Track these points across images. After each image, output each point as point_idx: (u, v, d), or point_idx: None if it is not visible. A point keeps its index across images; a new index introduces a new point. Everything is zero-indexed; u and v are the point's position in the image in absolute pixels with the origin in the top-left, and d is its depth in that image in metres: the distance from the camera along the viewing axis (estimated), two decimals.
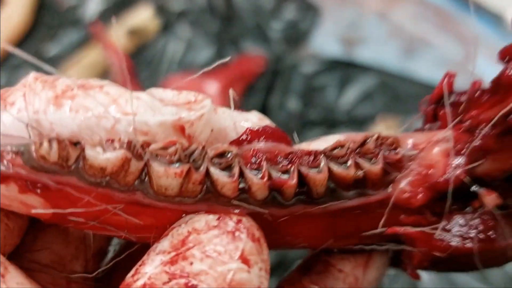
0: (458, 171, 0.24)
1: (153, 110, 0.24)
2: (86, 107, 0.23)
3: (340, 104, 1.02)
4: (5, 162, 0.22)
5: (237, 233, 0.23)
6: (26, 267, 0.27)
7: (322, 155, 0.24)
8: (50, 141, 0.22)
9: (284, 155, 0.24)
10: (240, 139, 0.25)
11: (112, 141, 0.22)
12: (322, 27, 1.12)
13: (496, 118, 0.23)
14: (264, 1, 1.12)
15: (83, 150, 0.22)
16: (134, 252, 0.27)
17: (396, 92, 1.03)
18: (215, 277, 0.22)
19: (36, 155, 0.22)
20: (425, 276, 0.81)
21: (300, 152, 0.24)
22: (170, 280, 0.21)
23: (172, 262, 0.22)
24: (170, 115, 0.24)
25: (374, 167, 0.24)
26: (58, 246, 0.29)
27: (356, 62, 1.06)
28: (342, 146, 0.25)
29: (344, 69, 1.05)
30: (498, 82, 0.24)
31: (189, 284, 0.21)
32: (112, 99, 0.24)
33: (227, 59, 0.30)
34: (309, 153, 0.24)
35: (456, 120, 0.25)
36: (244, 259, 0.22)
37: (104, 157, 0.22)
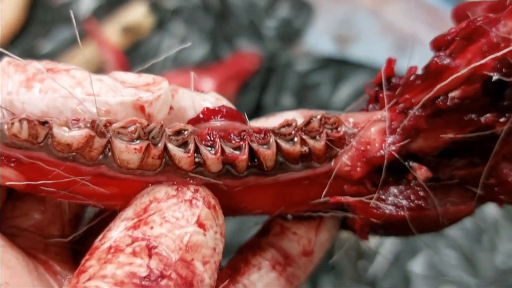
0: (392, 148, 0.27)
1: (114, 91, 0.26)
2: (54, 89, 0.26)
3: (334, 101, 1.03)
4: None
5: (194, 201, 0.25)
6: (7, 232, 0.29)
7: (271, 132, 0.27)
8: (20, 120, 0.24)
9: (237, 132, 0.27)
10: (198, 117, 0.28)
11: (78, 120, 0.25)
12: (315, 24, 1.13)
13: (422, 101, 0.26)
14: None
15: (50, 128, 0.24)
16: (106, 218, 0.29)
17: None
18: (173, 239, 0.24)
19: (9, 133, 0.24)
20: (417, 270, 0.83)
21: (252, 130, 0.27)
22: (132, 242, 0.24)
23: (135, 227, 0.25)
24: (129, 96, 0.26)
25: (318, 144, 0.27)
26: (36, 212, 0.31)
27: (349, 59, 1.07)
28: (289, 124, 0.27)
29: (338, 66, 1.06)
30: (428, 69, 0.27)
31: (150, 246, 0.24)
32: (77, 81, 0.26)
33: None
34: (259, 131, 0.27)
35: (392, 102, 0.28)
36: (200, 224, 0.25)
37: (70, 134, 0.24)
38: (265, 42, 1.08)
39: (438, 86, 0.26)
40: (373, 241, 0.85)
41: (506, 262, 0.82)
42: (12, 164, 0.25)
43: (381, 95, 0.29)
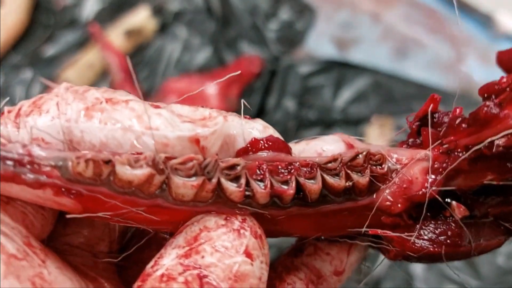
0: (433, 188, 0.28)
1: (172, 126, 0.27)
2: (114, 120, 0.27)
3: (336, 104, 1.04)
4: (43, 174, 0.25)
5: (242, 231, 0.27)
6: (59, 249, 0.31)
7: (317, 167, 0.28)
8: (87, 161, 0.25)
9: (285, 165, 0.28)
10: (247, 147, 0.29)
11: (139, 158, 0.26)
12: (317, 28, 1.13)
13: (472, 150, 0.28)
14: (260, 2, 1.13)
15: (114, 167, 0.25)
16: (151, 236, 0.32)
17: (389, 92, 1.05)
18: (223, 269, 0.25)
19: (73, 172, 0.25)
20: (420, 272, 0.83)
21: (299, 164, 0.28)
22: (184, 271, 0.25)
23: (186, 255, 0.25)
24: (187, 131, 0.27)
25: (362, 179, 0.29)
26: (86, 230, 0.32)
27: (350, 62, 1.08)
28: (335, 160, 0.29)
29: (339, 69, 1.07)
30: (475, 116, 0.28)
31: (201, 275, 0.25)
32: (136, 114, 0.27)
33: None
34: (306, 164, 0.28)
35: (437, 143, 0.29)
36: (247, 254, 0.26)
37: (132, 173, 0.25)
38: (268, 45, 1.09)
39: (489, 140, 0.27)
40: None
41: (508, 263, 0.83)
42: (72, 196, 0.26)
43: (424, 132, 0.30)
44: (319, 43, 1.12)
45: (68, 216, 0.27)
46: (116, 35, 1.08)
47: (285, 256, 0.34)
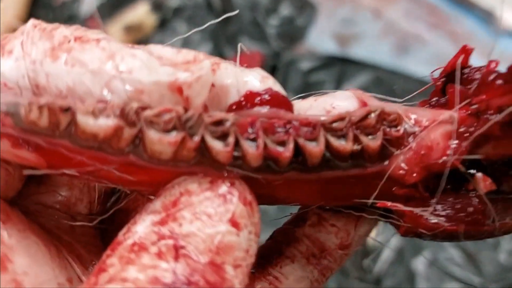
0: (456, 156, 0.24)
1: (149, 69, 0.23)
2: (81, 62, 0.23)
3: None
4: None
5: (228, 196, 0.23)
6: (31, 210, 0.28)
7: (321, 126, 0.24)
8: (40, 107, 0.22)
9: (283, 124, 0.24)
10: (241, 102, 0.25)
11: (105, 106, 0.22)
12: (318, 24, 1.13)
13: (505, 112, 0.23)
14: None
15: (74, 116, 0.22)
16: (138, 197, 0.28)
17: (391, 88, 1.05)
18: (204, 239, 0.22)
19: (26, 120, 0.22)
20: (421, 269, 0.83)
21: (299, 122, 0.24)
22: (159, 240, 0.22)
23: (162, 222, 0.22)
24: (165, 76, 0.23)
25: (373, 142, 0.24)
26: (62, 188, 0.29)
27: (351, 58, 1.08)
28: (342, 119, 0.24)
29: (341, 65, 1.06)
30: None
31: (177, 245, 0.22)
32: (108, 54, 0.23)
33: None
34: (308, 123, 0.24)
35: (465, 102, 0.25)
36: (234, 222, 0.22)
37: (96, 124, 0.22)
38: (269, 40, 1.08)
39: None
40: (377, 240, 0.85)
41: (509, 260, 0.82)
42: (30, 148, 0.23)
43: (450, 90, 0.26)
44: (320, 39, 1.11)
45: (25, 172, 0.24)
46: (116, 31, 1.08)
47: (287, 225, 0.30)
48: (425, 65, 1.10)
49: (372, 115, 0.24)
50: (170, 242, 0.22)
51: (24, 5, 1.11)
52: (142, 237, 0.22)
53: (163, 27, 1.11)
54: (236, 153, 0.23)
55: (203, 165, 0.23)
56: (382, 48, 1.11)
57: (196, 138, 0.23)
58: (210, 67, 0.24)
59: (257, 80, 0.25)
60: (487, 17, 1.14)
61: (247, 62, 1.01)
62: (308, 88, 1.04)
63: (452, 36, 1.13)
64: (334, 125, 0.24)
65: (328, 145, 0.24)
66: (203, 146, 0.23)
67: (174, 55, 0.24)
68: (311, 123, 0.24)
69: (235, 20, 1.10)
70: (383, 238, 0.83)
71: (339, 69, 1.06)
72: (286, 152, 0.23)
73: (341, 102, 0.27)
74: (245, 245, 0.23)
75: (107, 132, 0.22)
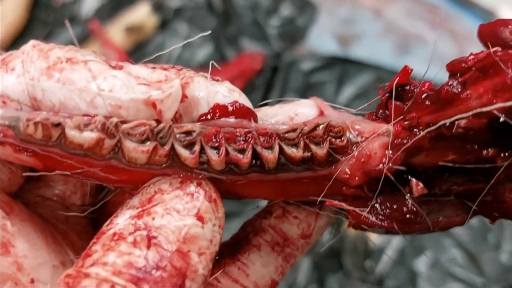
0: (391, 164, 0.28)
1: (127, 88, 0.27)
2: (71, 80, 0.27)
3: (338, 100, 1.04)
4: None
5: (195, 195, 0.27)
6: (32, 201, 0.32)
7: (276, 136, 0.28)
8: (35, 123, 0.26)
9: (244, 133, 0.28)
10: (209, 112, 0.29)
11: (89, 121, 0.27)
12: (318, 24, 1.13)
13: (425, 132, 0.27)
14: None
15: (63, 130, 0.27)
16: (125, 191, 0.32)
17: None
18: (172, 230, 0.26)
19: (24, 133, 0.27)
20: (423, 270, 0.83)
21: (257, 132, 0.28)
22: (135, 231, 0.26)
23: (139, 216, 0.27)
24: (140, 94, 0.27)
25: (320, 150, 0.29)
26: (58, 183, 0.33)
27: (352, 58, 1.08)
28: (294, 130, 0.29)
29: (341, 65, 1.06)
30: (438, 93, 0.27)
31: (150, 235, 0.26)
32: (93, 75, 0.27)
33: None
34: (265, 133, 0.28)
35: (399, 118, 0.29)
36: (199, 217, 0.27)
37: (81, 136, 0.27)
38: (270, 41, 1.08)
39: (440, 123, 0.27)
40: (379, 241, 0.85)
41: (511, 260, 0.83)
42: (29, 154, 0.27)
43: (390, 105, 0.29)
44: (321, 39, 1.11)
45: (24, 174, 0.30)
46: (116, 32, 1.08)
47: (255, 217, 0.34)
48: (425, 64, 1.10)
49: (320, 127, 0.29)
50: (144, 233, 0.26)
51: (25, 7, 1.11)
52: (121, 228, 0.26)
53: (163, 28, 1.11)
54: (202, 159, 0.28)
55: (174, 168, 0.28)
56: (382, 47, 1.11)
57: (166, 147, 0.27)
58: (179, 85, 0.28)
59: (224, 92, 0.29)
60: (487, 16, 1.14)
61: (248, 63, 1.00)
62: (309, 89, 1.04)
63: (453, 36, 1.14)
64: (287, 135, 0.29)
65: (282, 152, 0.29)
66: (173, 153, 0.27)
67: (149, 74, 0.28)
68: (268, 133, 0.28)
69: (236, 21, 1.10)
70: (385, 239, 0.84)
71: (340, 69, 1.06)
72: (245, 158, 0.28)
73: (303, 109, 0.32)
74: (209, 236, 0.27)
75: (90, 143, 0.27)
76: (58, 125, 0.27)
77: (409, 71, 0.29)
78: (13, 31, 1.08)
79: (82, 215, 0.33)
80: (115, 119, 0.27)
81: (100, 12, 1.12)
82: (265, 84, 1.03)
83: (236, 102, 0.29)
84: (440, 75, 0.29)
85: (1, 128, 0.27)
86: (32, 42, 0.29)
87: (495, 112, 0.25)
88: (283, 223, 0.33)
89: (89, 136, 0.26)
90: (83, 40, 1.09)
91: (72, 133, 0.26)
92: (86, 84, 0.27)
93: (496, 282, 0.81)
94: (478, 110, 0.26)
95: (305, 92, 1.03)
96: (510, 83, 0.25)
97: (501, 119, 0.25)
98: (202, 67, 1.06)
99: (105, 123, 0.26)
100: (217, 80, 0.30)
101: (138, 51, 1.08)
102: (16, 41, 1.09)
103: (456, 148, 0.28)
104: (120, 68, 0.29)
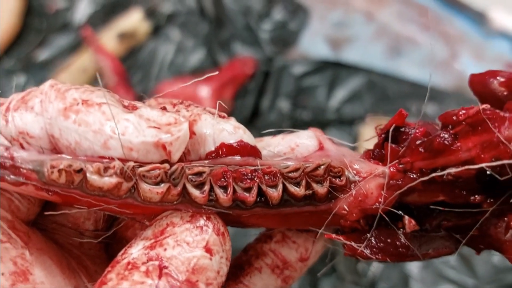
0: (386, 204, 0.31)
1: (138, 131, 0.29)
2: (86, 122, 0.29)
3: (330, 104, 1.04)
4: (23, 176, 0.29)
5: (204, 228, 0.29)
6: (48, 227, 0.34)
7: (280, 175, 0.31)
8: (59, 170, 0.29)
9: (250, 172, 0.30)
10: (217, 152, 0.31)
11: (108, 166, 0.29)
12: (310, 28, 1.13)
13: (417, 181, 0.30)
14: (253, 3, 1.13)
15: (85, 175, 0.29)
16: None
17: (383, 91, 1.05)
18: (182, 261, 0.28)
19: (48, 178, 0.29)
20: (416, 271, 0.83)
21: (262, 171, 0.30)
22: (148, 261, 0.28)
23: (151, 247, 0.28)
24: (150, 137, 0.29)
25: (321, 189, 0.31)
26: (72, 210, 0.35)
27: (344, 62, 1.08)
28: (297, 170, 0.31)
29: (333, 69, 1.07)
30: (431, 143, 0.30)
31: (162, 265, 0.27)
32: (107, 118, 0.29)
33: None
34: (269, 172, 0.30)
35: (395, 161, 0.31)
36: (207, 249, 0.28)
37: (101, 181, 0.29)
38: (261, 46, 1.09)
39: (432, 175, 0.29)
40: None
41: (503, 262, 0.83)
42: (50, 193, 0.29)
43: (386, 148, 0.32)
44: (313, 43, 1.12)
45: (46, 213, 0.33)
46: (109, 38, 1.08)
47: (256, 241, 0.36)
48: (418, 67, 1.11)
49: (321, 167, 0.31)
50: (156, 263, 0.28)
51: (18, 14, 1.11)
52: (135, 258, 0.28)
53: (156, 34, 1.11)
54: (211, 197, 0.30)
55: (185, 204, 0.30)
56: (374, 50, 1.12)
57: (179, 188, 0.29)
58: (187, 128, 0.30)
59: (229, 130, 0.31)
60: (478, 18, 1.15)
61: (240, 68, 1.01)
62: (301, 93, 1.04)
63: (445, 38, 1.14)
64: (291, 174, 0.31)
65: (285, 189, 0.31)
66: (184, 192, 0.30)
67: (160, 117, 0.30)
68: (272, 172, 0.30)
69: (228, 26, 1.11)
70: None
71: (331, 73, 1.06)
72: (251, 197, 0.30)
73: (303, 140, 0.34)
74: (216, 267, 0.29)
75: (109, 186, 0.29)
76: (80, 170, 0.28)
77: (405, 115, 0.31)
78: (7, 38, 1.09)
79: (96, 241, 0.35)
80: (131, 163, 0.29)
81: (92, 19, 1.12)
82: (257, 88, 1.04)
83: (242, 141, 0.31)
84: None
85: (25, 172, 0.29)
86: (50, 82, 0.31)
87: (484, 166, 0.28)
88: (283, 247, 0.35)
89: (108, 181, 0.28)
90: (76, 47, 1.10)
91: (93, 178, 0.28)
92: (100, 127, 0.29)
93: (488, 283, 0.82)
94: (467, 167, 0.28)
95: (297, 96, 1.04)
96: (496, 141, 0.27)
97: (488, 172, 0.28)
98: (194, 72, 1.07)
99: (123, 168, 0.28)
100: (223, 117, 0.32)
101: (130, 57, 1.08)
102: (10, 49, 1.09)
103: (447, 191, 0.30)
104: (134, 108, 0.30)
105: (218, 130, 0.31)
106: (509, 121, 0.27)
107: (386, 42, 1.13)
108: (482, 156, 0.28)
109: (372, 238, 0.31)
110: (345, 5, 1.17)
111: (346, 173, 0.31)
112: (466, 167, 0.28)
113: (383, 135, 0.32)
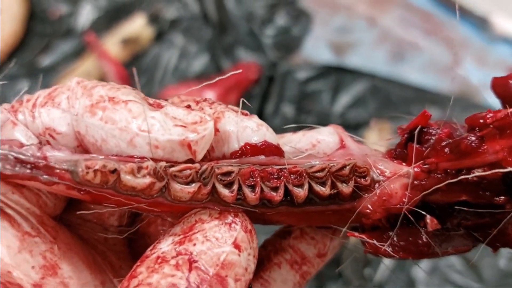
0: (410, 204, 0.31)
1: (164, 129, 0.29)
2: (113, 120, 0.29)
3: (334, 109, 1.04)
4: (56, 176, 0.29)
5: (233, 225, 0.29)
6: (74, 223, 0.35)
7: (306, 174, 0.31)
8: (95, 171, 0.28)
9: (276, 171, 0.31)
10: (242, 151, 0.31)
11: (141, 167, 0.29)
12: (313, 33, 1.14)
13: (444, 183, 0.30)
14: (257, 8, 1.14)
15: (119, 175, 0.29)
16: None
17: (387, 96, 1.05)
18: (212, 256, 0.28)
19: (83, 179, 0.29)
20: (422, 276, 0.83)
21: (288, 170, 0.31)
22: (177, 255, 0.28)
23: (181, 242, 0.29)
24: (176, 136, 0.29)
25: (346, 189, 0.31)
26: (98, 206, 0.35)
27: (347, 67, 1.08)
28: (323, 170, 0.31)
29: (337, 74, 1.07)
30: (457, 145, 0.30)
31: (191, 260, 0.28)
32: (133, 116, 0.29)
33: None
34: (295, 172, 0.31)
35: (420, 162, 0.31)
36: (236, 245, 0.29)
37: (135, 181, 0.29)
38: (265, 51, 1.09)
39: (460, 177, 0.30)
40: None
41: (509, 266, 0.83)
42: (82, 192, 0.29)
43: (410, 148, 0.32)
44: (316, 48, 1.12)
45: (78, 212, 0.33)
46: (113, 44, 1.08)
47: (275, 237, 0.37)
48: (420, 72, 1.11)
49: (347, 167, 0.31)
50: (186, 257, 0.28)
51: (21, 20, 1.11)
52: (164, 252, 0.29)
53: (159, 40, 1.12)
54: (239, 196, 0.30)
55: (213, 202, 0.30)
56: (377, 55, 1.12)
57: (209, 187, 0.30)
58: (213, 127, 0.30)
59: (252, 127, 0.31)
60: (481, 23, 1.15)
61: (245, 73, 1.01)
62: (305, 98, 1.04)
63: (447, 43, 1.15)
64: (316, 174, 0.31)
65: (311, 189, 0.31)
66: (213, 191, 0.30)
67: (185, 116, 0.30)
68: (298, 171, 0.31)
69: (231, 31, 1.11)
70: None
71: (335, 78, 1.06)
72: (277, 196, 0.30)
73: (324, 137, 0.34)
74: (244, 263, 0.29)
75: (143, 187, 0.29)
76: (114, 171, 0.29)
77: (428, 116, 0.32)
78: (10, 44, 1.09)
79: (121, 237, 0.35)
80: (163, 164, 0.29)
81: (96, 25, 1.12)
82: (262, 93, 1.04)
83: (266, 141, 0.31)
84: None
85: (59, 172, 0.29)
86: (76, 79, 0.31)
87: (510, 168, 0.28)
88: (301, 243, 0.36)
89: (142, 181, 0.29)
90: (79, 53, 1.10)
91: (127, 178, 0.29)
92: (126, 124, 0.29)
93: None
94: (496, 170, 0.29)
95: (301, 101, 1.04)
96: None
97: None
98: (198, 78, 1.07)
99: (156, 168, 0.29)
100: (246, 115, 0.32)
101: (134, 63, 1.08)
102: (13, 54, 1.09)
103: (470, 191, 0.31)
104: (159, 106, 0.30)
105: (242, 128, 0.31)
106: None
107: (389, 47, 1.13)
108: (509, 159, 0.28)
109: (394, 237, 0.32)
110: (348, 10, 1.18)
111: (371, 173, 0.32)
112: (496, 170, 0.29)
113: (406, 135, 0.32)
